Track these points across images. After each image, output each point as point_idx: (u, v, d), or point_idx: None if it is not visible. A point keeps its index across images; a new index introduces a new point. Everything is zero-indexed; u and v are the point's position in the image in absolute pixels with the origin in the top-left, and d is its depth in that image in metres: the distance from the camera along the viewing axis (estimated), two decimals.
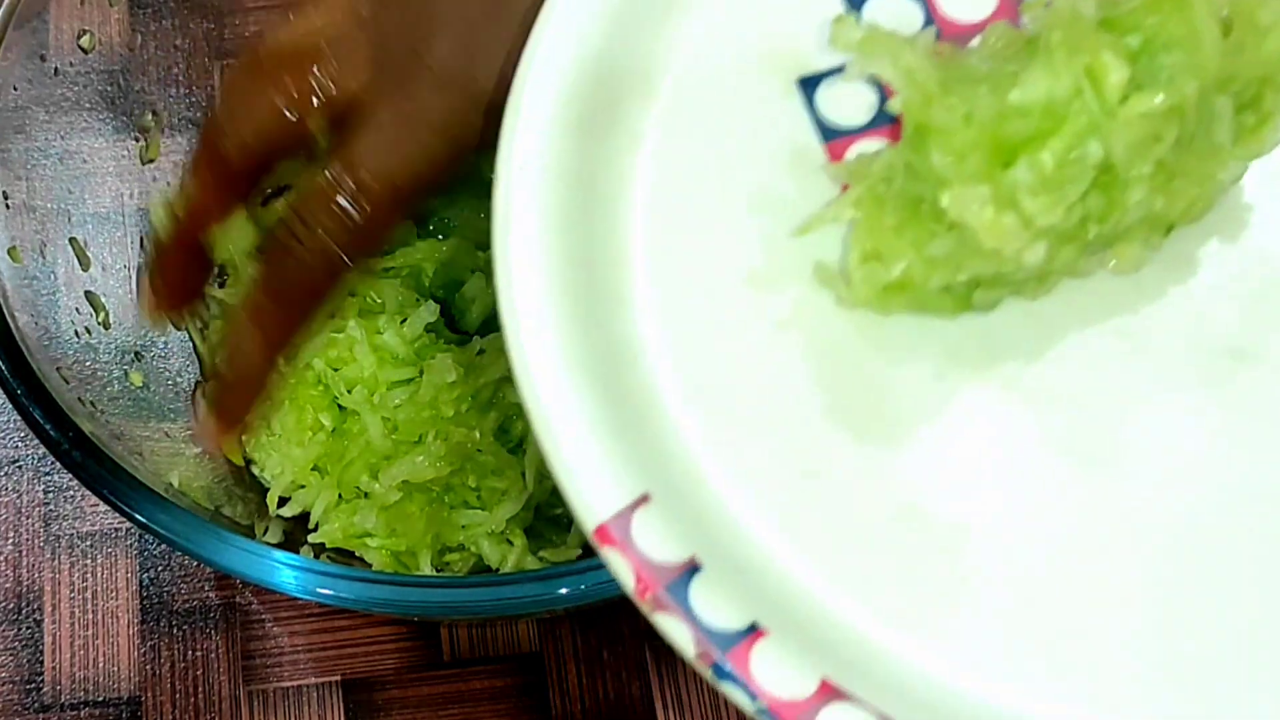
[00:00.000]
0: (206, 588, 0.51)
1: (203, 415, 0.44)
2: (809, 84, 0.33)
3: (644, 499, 0.29)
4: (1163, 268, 0.33)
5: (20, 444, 0.53)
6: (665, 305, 0.32)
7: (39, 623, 0.51)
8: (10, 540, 0.52)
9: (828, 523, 0.30)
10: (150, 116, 0.51)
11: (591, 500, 0.29)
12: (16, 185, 0.45)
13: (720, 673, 0.28)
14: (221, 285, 0.52)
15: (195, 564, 0.51)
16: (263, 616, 0.51)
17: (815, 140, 0.33)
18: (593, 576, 0.38)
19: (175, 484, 0.43)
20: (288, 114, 0.41)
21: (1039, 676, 0.29)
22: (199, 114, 0.53)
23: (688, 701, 0.50)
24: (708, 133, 0.33)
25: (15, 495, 0.53)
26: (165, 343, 0.50)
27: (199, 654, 0.51)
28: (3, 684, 0.50)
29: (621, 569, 0.29)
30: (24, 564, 0.52)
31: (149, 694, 0.50)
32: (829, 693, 0.28)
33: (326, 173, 0.39)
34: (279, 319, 0.41)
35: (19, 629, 0.51)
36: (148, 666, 0.50)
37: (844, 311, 0.32)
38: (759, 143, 0.33)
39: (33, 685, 0.50)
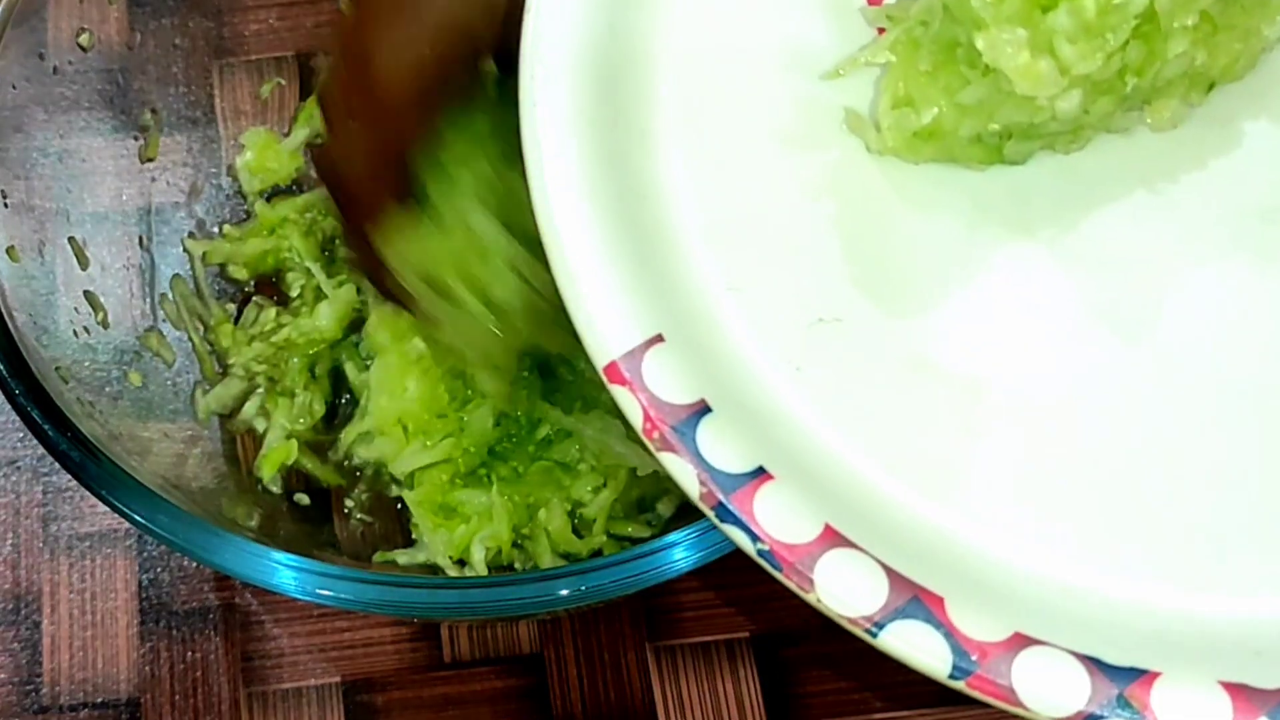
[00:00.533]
0: (206, 589, 0.51)
1: None
2: None
3: (657, 339, 0.29)
4: (1201, 126, 0.32)
5: (19, 445, 0.53)
6: (691, 149, 0.32)
7: (37, 624, 0.51)
8: (9, 541, 0.52)
9: (841, 371, 0.30)
10: (149, 115, 0.51)
11: (605, 337, 0.29)
12: (15, 184, 0.44)
13: (723, 513, 0.28)
14: (281, 304, 0.52)
15: (194, 565, 0.51)
16: (262, 618, 0.51)
17: None
18: (593, 577, 0.38)
19: (174, 485, 0.43)
20: None
21: (1044, 532, 0.29)
22: (198, 113, 0.53)
23: (689, 703, 0.50)
24: None
25: (14, 496, 0.53)
26: (164, 342, 0.49)
27: (198, 655, 0.50)
28: (1, 685, 0.50)
29: (630, 407, 0.29)
30: (22, 565, 0.52)
31: (148, 696, 0.50)
32: (832, 538, 0.28)
33: None
34: None
35: (17, 630, 0.51)
36: (147, 668, 0.50)
37: (874, 163, 0.31)
38: None
39: (31, 687, 0.50)
